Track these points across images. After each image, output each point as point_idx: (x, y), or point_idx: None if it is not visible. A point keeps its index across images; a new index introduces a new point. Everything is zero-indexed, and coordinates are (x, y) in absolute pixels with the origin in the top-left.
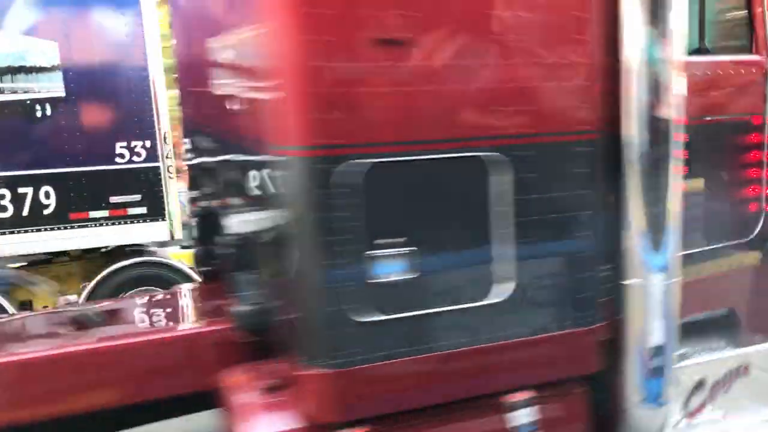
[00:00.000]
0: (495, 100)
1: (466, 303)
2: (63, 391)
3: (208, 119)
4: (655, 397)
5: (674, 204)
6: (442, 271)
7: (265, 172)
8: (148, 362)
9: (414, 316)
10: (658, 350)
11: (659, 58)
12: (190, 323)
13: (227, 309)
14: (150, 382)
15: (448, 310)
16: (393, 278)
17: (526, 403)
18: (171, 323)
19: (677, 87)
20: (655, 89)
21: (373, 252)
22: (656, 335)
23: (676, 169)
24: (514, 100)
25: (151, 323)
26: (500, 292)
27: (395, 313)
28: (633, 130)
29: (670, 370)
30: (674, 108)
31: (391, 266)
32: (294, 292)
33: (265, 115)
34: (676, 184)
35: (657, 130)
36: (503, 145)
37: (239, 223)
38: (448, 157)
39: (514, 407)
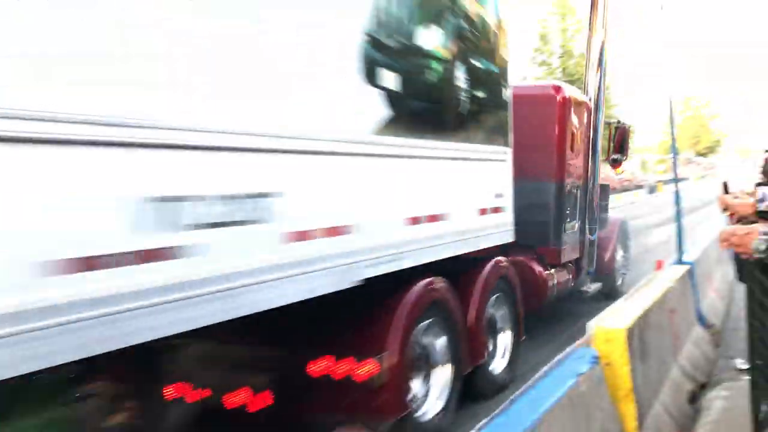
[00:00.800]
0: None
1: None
2: None
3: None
4: (593, 273)
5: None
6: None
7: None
8: None
9: (564, 228)
10: (591, 255)
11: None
12: None
13: None
14: None
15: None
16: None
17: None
18: None
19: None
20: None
21: (566, 211)
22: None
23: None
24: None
25: None
26: (571, 230)
27: (566, 228)
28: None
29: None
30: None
31: (565, 215)
32: (551, 222)
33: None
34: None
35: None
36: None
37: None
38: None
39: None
